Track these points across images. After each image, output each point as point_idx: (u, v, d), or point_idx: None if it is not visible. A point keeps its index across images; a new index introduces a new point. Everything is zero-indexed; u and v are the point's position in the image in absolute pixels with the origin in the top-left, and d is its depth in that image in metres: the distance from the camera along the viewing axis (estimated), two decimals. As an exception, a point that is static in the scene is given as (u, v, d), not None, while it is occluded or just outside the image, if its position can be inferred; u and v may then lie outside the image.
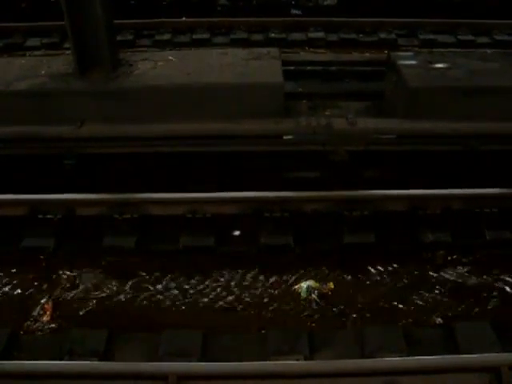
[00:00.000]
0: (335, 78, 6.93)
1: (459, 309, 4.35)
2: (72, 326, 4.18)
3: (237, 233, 5.11)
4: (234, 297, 4.51)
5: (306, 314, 4.35)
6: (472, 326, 4.03)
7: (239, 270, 4.74)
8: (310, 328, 4.17)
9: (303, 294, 4.47)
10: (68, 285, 4.62)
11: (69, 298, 4.51)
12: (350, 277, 4.67)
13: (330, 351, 3.90)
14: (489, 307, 4.37)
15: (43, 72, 5.88)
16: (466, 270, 4.72)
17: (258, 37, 9.33)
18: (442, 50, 8.29)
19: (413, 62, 5.99)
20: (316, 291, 4.49)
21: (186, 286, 4.61)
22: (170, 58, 6.26)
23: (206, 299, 4.49)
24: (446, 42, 9.00)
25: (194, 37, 9.36)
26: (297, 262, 4.82)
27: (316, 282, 4.58)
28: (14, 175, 5.67)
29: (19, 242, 4.94)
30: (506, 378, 3.54)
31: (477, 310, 4.34)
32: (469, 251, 4.88)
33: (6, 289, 4.59)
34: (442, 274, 4.69)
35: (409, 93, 5.55)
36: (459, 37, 9.15)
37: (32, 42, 9.27)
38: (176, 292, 4.55)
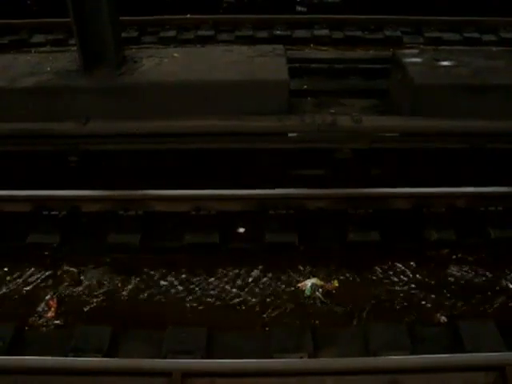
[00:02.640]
0: (340, 75, 6.92)
1: (464, 307, 4.34)
2: (76, 323, 4.19)
3: (241, 230, 5.11)
4: (238, 294, 4.51)
5: (310, 311, 4.35)
6: (477, 325, 4.01)
7: (243, 268, 4.74)
8: (314, 326, 4.17)
9: (307, 292, 4.47)
10: (72, 281, 4.63)
11: (73, 294, 4.52)
12: (354, 275, 4.66)
13: (334, 349, 3.90)
14: (494, 306, 4.36)
15: (48, 69, 5.89)
16: (470, 268, 4.71)
17: (262, 34, 9.33)
18: (448, 47, 8.29)
19: (418, 60, 5.98)
20: (320, 289, 4.49)
21: (190, 283, 4.61)
22: (175, 55, 6.26)
23: (210, 296, 4.49)
24: (452, 40, 8.98)
25: (199, 34, 9.36)
26: (301, 259, 4.81)
27: (320, 279, 4.58)
28: (19, 172, 5.69)
29: (24, 238, 4.95)
30: (511, 378, 3.53)
31: (482, 308, 4.33)
32: (473, 250, 4.87)
33: (11, 284, 4.61)
34: (446, 272, 4.68)
35: (414, 90, 5.53)
36: (465, 34, 9.12)
37: (37, 38, 9.30)
38: (180, 289, 4.56)
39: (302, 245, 4.92)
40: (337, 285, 4.55)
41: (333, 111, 5.89)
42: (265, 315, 4.33)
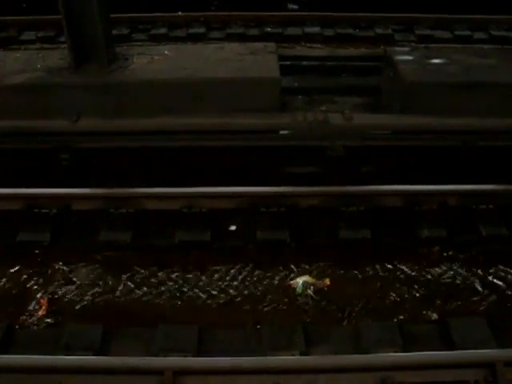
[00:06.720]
0: (332, 73, 6.93)
1: (455, 305, 4.36)
2: (67, 321, 4.17)
3: (233, 228, 5.11)
4: (229, 292, 4.50)
5: (301, 309, 4.35)
6: (467, 322, 4.03)
7: (235, 265, 4.74)
8: (306, 323, 4.17)
9: (299, 290, 4.47)
10: (64, 279, 4.61)
11: (64, 292, 4.50)
12: (345, 272, 4.67)
13: (326, 346, 3.90)
14: (484, 303, 4.38)
15: (39, 66, 5.86)
16: (461, 266, 4.72)
17: (254, 31, 9.31)
18: (439, 45, 8.32)
19: (409, 58, 6.00)
20: (312, 287, 4.49)
21: (182, 281, 4.60)
22: (166, 52, 6.25)
23: (201, 294, 4.48)
24: (443, 38, 9.00)
25: (190, 31, 9.33)
26: (293, 257, 4.81)
27: (312, 277, 4.58)
28: (9, 169, 5.65)
29: (14, 236, 4.91)
30: (501, 374, 3.54)
31: (472, 305, 4.35)
32: (464, 247, 4.89)
33: (2, 283, 4.58)
34: (437, 269, 4.69)
35: (405, 88, 5.55)
36: (456, 32, 9.15)
37: (27, 35, 9.23)
38: (172, 287, 4.55)
39: (293, 242, 4.92)
40: (328, 282, 4.55)
41: (324, 109, 5.90)
42: (256, 313, 4.32)
